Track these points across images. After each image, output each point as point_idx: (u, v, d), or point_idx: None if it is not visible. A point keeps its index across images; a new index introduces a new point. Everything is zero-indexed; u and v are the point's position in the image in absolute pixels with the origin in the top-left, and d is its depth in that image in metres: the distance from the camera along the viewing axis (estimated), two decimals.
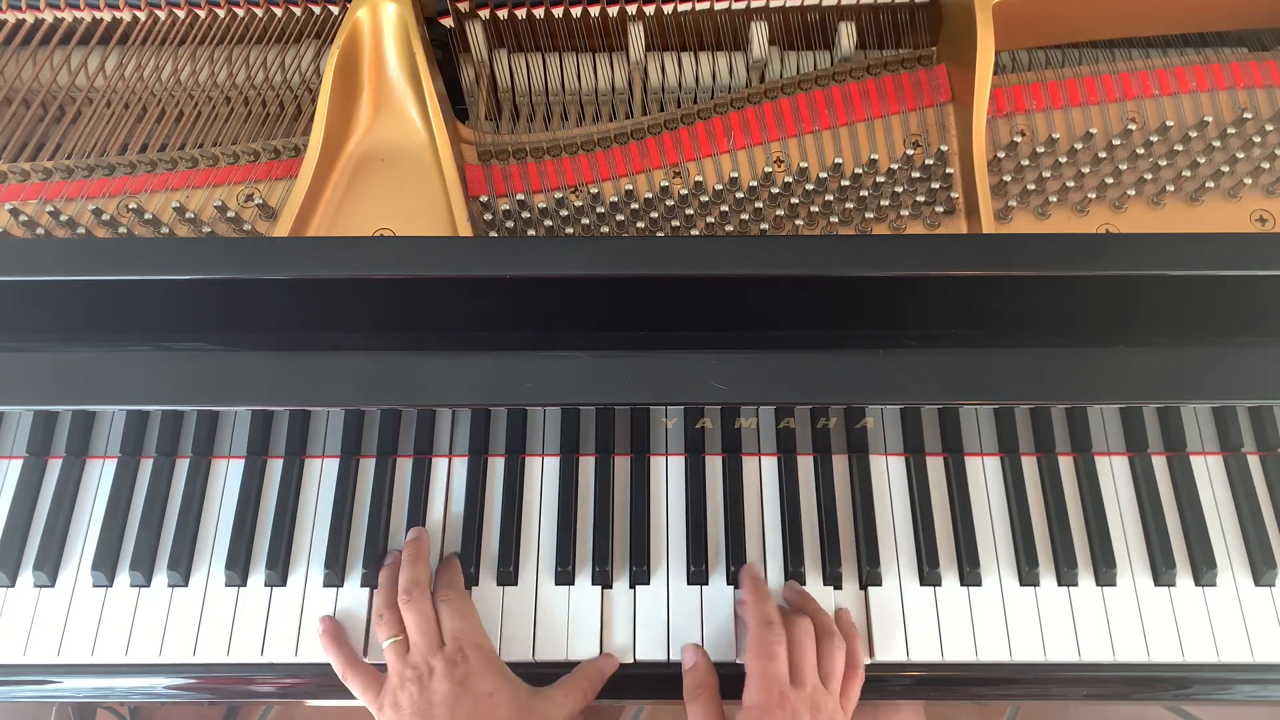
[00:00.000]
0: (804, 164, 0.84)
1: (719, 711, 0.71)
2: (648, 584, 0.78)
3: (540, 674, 0.73)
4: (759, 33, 0.90)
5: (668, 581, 0.78)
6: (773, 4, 0.89)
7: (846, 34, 0.90)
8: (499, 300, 0.72)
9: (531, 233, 0.82)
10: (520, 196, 0.83)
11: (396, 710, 0.69)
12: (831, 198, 0.82)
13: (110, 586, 0.79)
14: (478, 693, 0.69)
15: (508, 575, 0.78)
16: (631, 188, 0.82)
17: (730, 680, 0.73)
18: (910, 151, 0.83)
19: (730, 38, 0.93)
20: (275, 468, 0.82)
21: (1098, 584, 0.78)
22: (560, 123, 0.93)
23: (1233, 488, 0.82)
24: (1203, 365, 0.71)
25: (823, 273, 0.69)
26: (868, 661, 0.75)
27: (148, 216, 0.80)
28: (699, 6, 0.89)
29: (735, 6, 0.89)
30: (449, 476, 0.82)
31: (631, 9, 0.88)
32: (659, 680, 0.77)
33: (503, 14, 0.88)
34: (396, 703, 0.70)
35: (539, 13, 0.89)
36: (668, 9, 0.89)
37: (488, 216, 0.82)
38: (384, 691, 0.71)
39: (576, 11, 0.89)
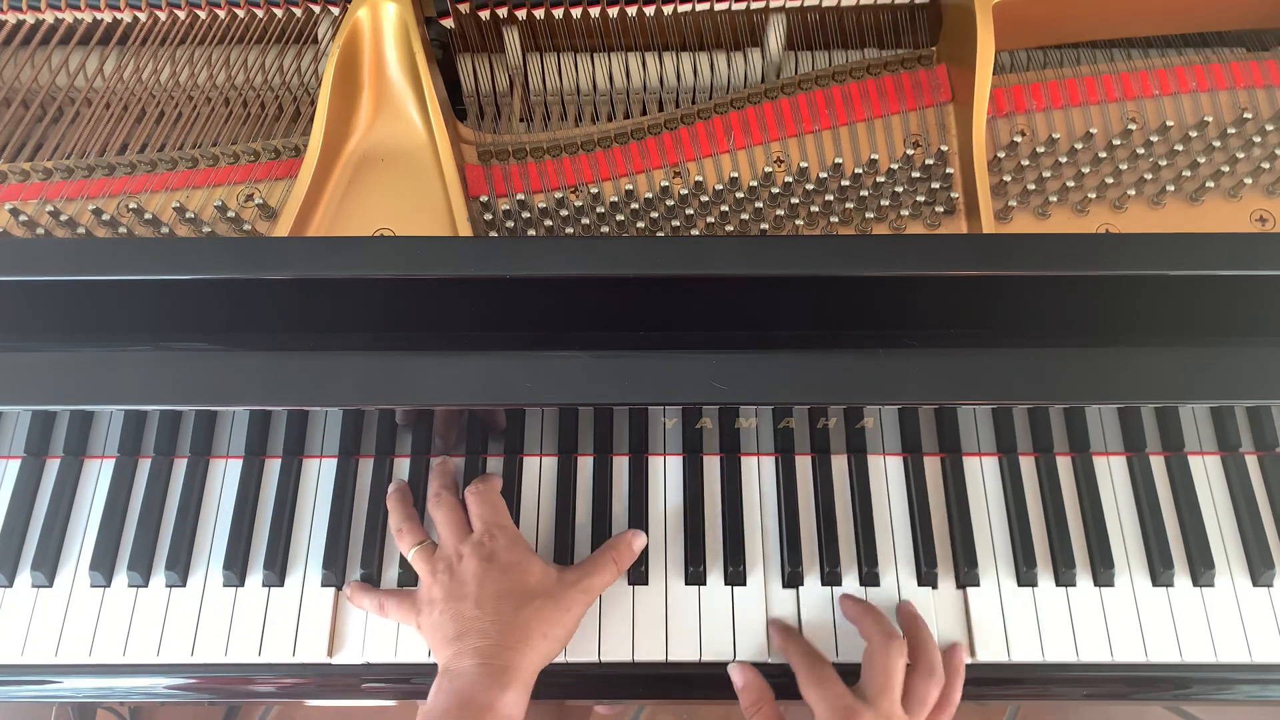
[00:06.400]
0: (804, 164, 0.84)
1: None
2: (646, 584, 0.78)
3: (541, 676, 0.73)
4: (776, 29, 0.90)
5: (666, 582, 0.78)
6: (773, 4, 0.89)
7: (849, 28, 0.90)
8: (499, 300, 0.72)
9: (531, 233, 0.82)
10: (520, 196, 0.83)
11: (432, 605, 0.70)
12: (831, 198, 0.82)
13: (108, 586, 0.79)
14: (504, 563, 0.70)
15: None
16: (631, 188, 0.82)
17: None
18: (910, 151, 0.83)
19: (731, 38, 0.93)
20: (273, 468, 0.82)
21: (1096, 584, 0.78)
22: (560, 123, 0.93)
23: (1231, 488, 0.82)
24: (1202, 365, 0.71)
25: (823, 273, 0.69)
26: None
27: (148, 216, 0.80)
28: (699, 7, 0.89)
29: (736, 7, 0.89)
30: None
31: (631, 10, 0.88)
32: (659, 680, 0.77)
33: (503, 13, 0.88)
34: (431, 598, 0.71)
35: (539, 13, 0.89)
36: (667, 10, 0.89)
37: (488, 216, 0.82)
38: (420, 598, 0.72)
39: (577, 12, 0.89)
